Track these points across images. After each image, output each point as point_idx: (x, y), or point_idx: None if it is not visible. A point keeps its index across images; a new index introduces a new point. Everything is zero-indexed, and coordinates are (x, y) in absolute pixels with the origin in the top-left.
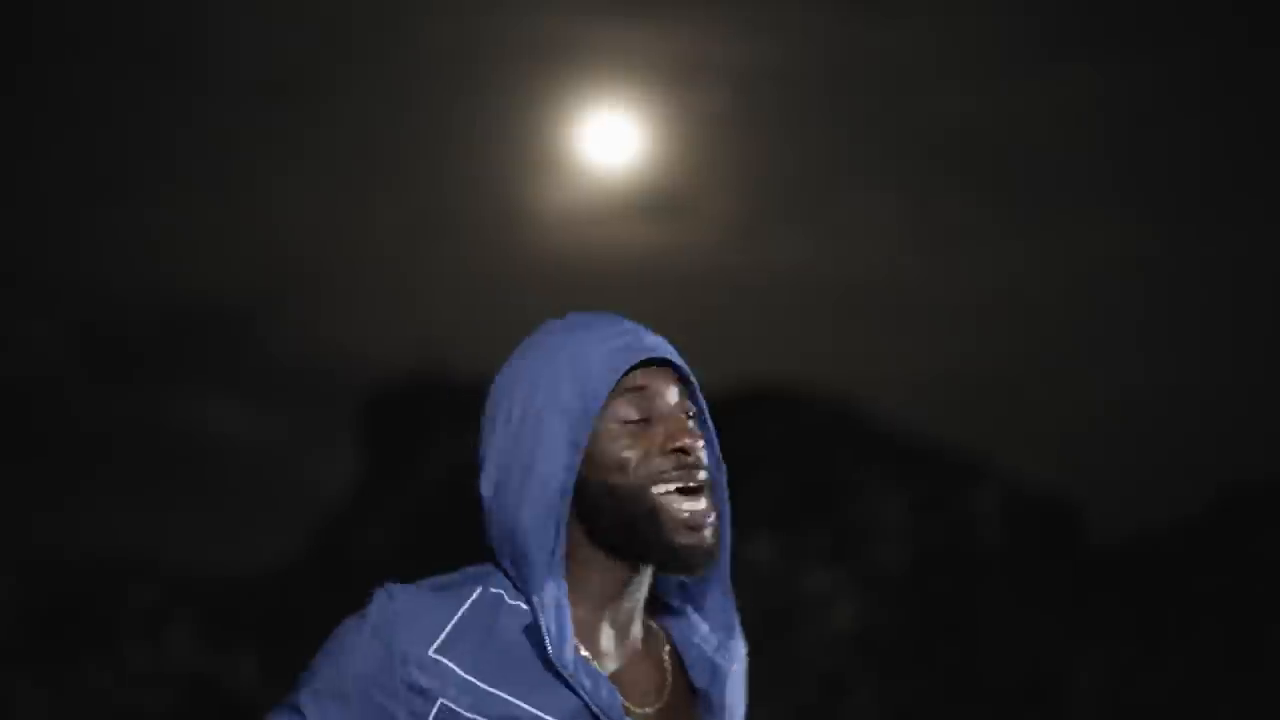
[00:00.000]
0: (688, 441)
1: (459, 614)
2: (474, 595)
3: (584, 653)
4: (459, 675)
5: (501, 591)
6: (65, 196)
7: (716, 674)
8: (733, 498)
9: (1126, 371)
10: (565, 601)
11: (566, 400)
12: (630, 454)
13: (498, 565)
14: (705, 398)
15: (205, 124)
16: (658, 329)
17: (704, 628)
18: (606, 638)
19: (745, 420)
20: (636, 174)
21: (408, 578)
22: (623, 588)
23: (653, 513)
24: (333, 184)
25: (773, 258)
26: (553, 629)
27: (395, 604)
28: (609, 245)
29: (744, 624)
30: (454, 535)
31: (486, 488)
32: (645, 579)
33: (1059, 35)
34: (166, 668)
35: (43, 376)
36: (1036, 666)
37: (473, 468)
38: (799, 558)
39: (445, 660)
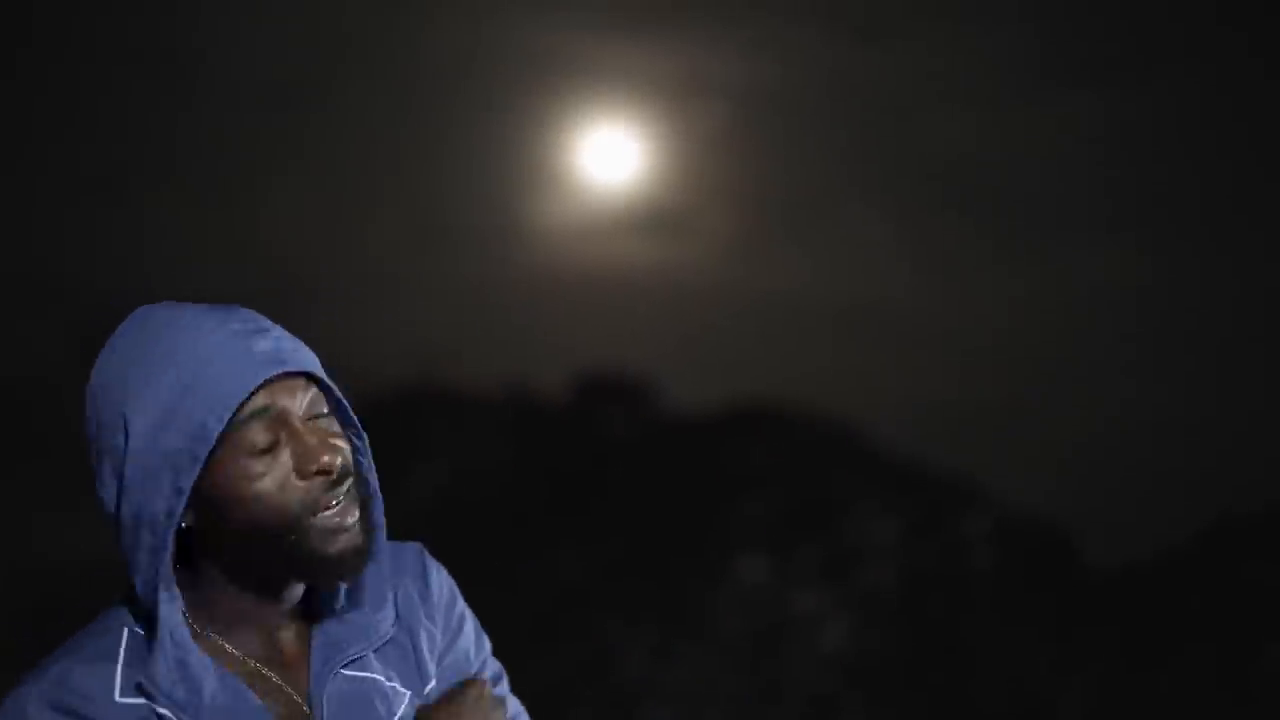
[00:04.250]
0: (326, 460)
1: (121, 658)
2: (124, 638)
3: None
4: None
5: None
6: (64, 198)
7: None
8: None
9: (1121, 397)
10: (179, 642)
11: (172, 441)
12: (262, 486)
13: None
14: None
15: (205, 128)
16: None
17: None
18: (255, 659)
19: (738, 439)
20: (635, 191)
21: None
22: (273, 608)
23: (299, 540)
24: (331, 193)
25: (769, 277)
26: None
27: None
28: (606, 261)
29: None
30: (450, 542)
31: (106, 504)
32: (296, 593)
33: (1057, 62)
34: None
35: (40, 377)
36: (1026, 690)
37: (466, 478)
38: (790, 578)
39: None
